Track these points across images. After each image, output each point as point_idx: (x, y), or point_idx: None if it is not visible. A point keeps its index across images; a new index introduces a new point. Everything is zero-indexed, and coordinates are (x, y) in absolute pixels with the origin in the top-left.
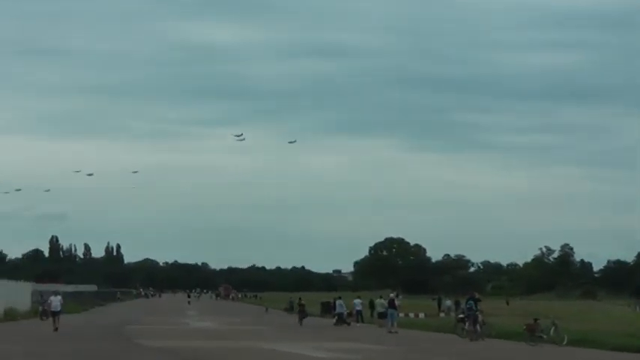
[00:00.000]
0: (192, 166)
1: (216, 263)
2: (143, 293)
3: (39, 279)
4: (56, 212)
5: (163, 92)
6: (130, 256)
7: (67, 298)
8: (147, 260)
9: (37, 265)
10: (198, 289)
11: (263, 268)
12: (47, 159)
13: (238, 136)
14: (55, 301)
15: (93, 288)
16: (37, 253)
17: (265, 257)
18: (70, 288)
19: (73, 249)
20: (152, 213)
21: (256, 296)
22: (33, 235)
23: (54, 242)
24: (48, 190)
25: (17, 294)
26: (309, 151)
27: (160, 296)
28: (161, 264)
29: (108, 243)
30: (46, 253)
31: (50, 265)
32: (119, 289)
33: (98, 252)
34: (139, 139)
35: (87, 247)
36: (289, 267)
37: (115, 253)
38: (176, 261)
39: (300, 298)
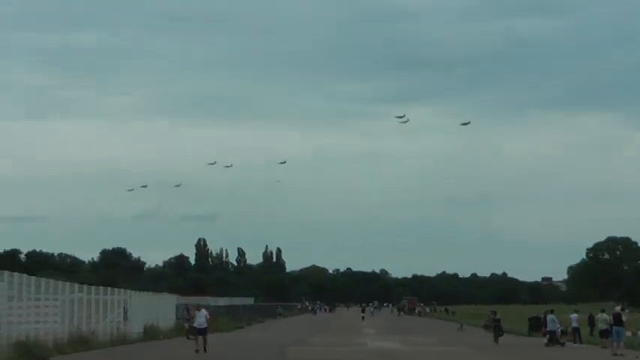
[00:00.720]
0: (357, 153)
1: (398, 271)
2: (310, 307)
3: (185, 290)
4: (200, 212)
5: (320, 67)
6: (292, 263)
7: (217, 314)
8: (313, 268)
9: (182, 274)
10: (375, 302)
11: (455, 275)
12: (176, 149)
13: (400, 117)
14: (200, 317)
15: (249, 301)
16: (181, 261)
17: (458, 263)
18: (221, 301)
19: (224, 255)
20: (316, 211)
21: (447, 310)
22: (174, 239)
23: (201, 247)
24: (178, 185)
25: (159, 309)
26: (498, 132)
27: (329, 311)
28: (330, 272)
29: (266, 247)
30: (193, 260)
31: (198, 274)
32: (280, 303)
33: (254, 258)
34: (289, 122)
35: (241, 253)
36: (487, 274)
37: (274, 260)
38: (349, 268)
39: (494, 312)
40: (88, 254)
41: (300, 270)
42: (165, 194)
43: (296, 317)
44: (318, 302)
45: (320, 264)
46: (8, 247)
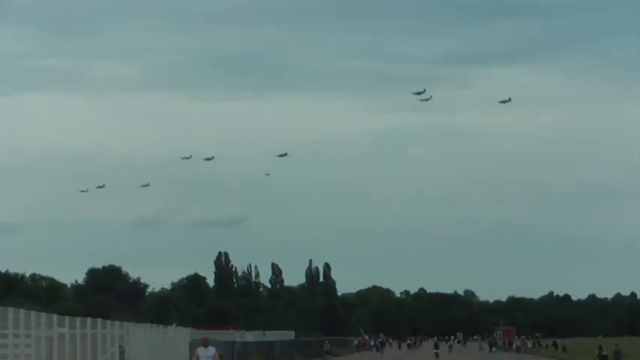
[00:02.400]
0: (425, 132)
1: (489, 292)
2: (372, 343)
3: (202, 321)
4: (220, 215)
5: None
6: (346, 284)
7: (245, 353)
8: (374, 290)
9: (198, 299)
10: (459, 335)
11: (566, 297)
12: (188, 130)
13: (419, 93)
14: (205, 358)
15: (288, 335)
16: (196, 282)
17: (569, 281)
18: (250, 336)
19: (253, 274)
20: (376, 214)
21: (556, 344)
22: (186, 254)
23: (223, 263)
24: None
25: (167, 346)
26: (614, 100)
27: (400, 347)
28: (398, 295)
29: (310, 263)
30: (211, 281)
31: (218, 300)
32: (329, 337)
33: (294, 277)
34: (333, 94)
35: (276, 271)
36: (610, 295)
37: (321, 279)
38: (422, 290)
39: (600, 347)
40: (71, 275)
41: (357, 293)
42: (172, 192)
43: (351, 356)
44: (382, 335)
45: (383, 284)
46: None
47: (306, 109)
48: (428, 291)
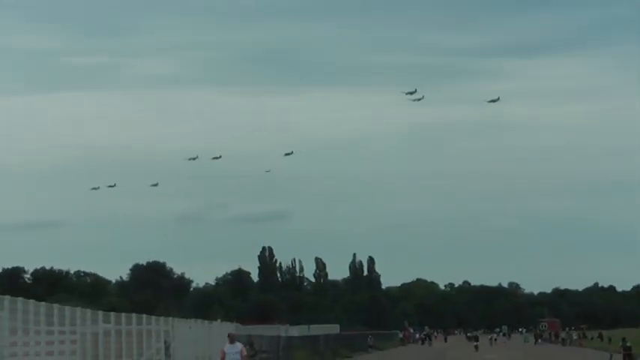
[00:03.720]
0: (469, 124)
1: (533, 284)
2: (418, 336)
3: (246, 316)
4: (263, 211)
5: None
6: (390, 277)
7: (291, 347)
8: (418, 283)
9: (242, 294)
10: (504, 327)
11: (611, 289)
12: (228, 125)
13: (411, 93)
14: (232, 354)
15: (333, 329)
16: (240, 277)
17: (615, 271)
18: (295, 330)
19: (297, 268)
20: (420, 207)
21: (602, 336)
22: (230, 249)
23: (267, 258)
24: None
25: (212, 342)
26: None
27: (446, 339)
28: (442, 288)
29: (354, 257)
30: (255, 276)
31: (262, 295)
32: (372, 331)
33: (338, 271)
34: (372, 87)
35: (320, 265)
36: None
37: (365, 273)
38: (466, 282)
39: (623, 339)
40: (115, 271)
41: (401, 286)
42: (215, 187)
43: (395, 350)
44: (427, 327)
45: (427, 277)
46: (8, 265)
47: (345, 103)
48: (472, 284)
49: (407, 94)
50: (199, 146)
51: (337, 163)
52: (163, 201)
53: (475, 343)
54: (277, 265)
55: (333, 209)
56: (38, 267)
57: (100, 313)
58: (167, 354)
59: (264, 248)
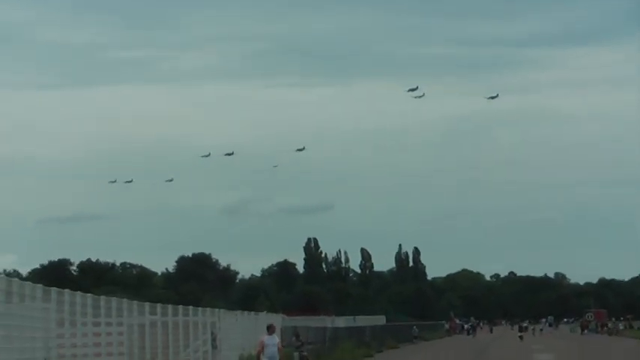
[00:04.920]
0: (514, 114)
1: (579, 274)
2: (465, 327)
3: (292, 307)
4: (309, 203)
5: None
6: (435, 268)
7: (337, 337)
8: (464, 273)
9: (288, 286)
10: (550, 318)
11: None
12: (271, 118)
13: (413, 90)
14: (271, 346)
15: (379, 320)
16: (285, 268)
17: None
18: (341, 321)
19: (343, 259)
20: (464, 197)
21: None
22: (276, 241)
23: (312, 250)
24: (275, 167)
25: (258, 333)
26: None
27: (491, 330)
28: (488, 278)
29: (399, 248)
30: (301, 268)
31: (308, 286)
32: (418, 322)
33: (384, 263)
34: (411, 77)
35: (365, 256)
36: None
37: (411, 264)
38: (512, 273)
39: None
40: (161, 263)
41: (446, 277)
42: (261, 180)
43: (440, 341)
44: (472, 318)
45: (473, 268)
46: (55, 257)
47: (386, 95)
48: (518, 274)
49: (409, 90)
50: (238, 139)
51: (382, 154)
52: (210, 193)
53: (520, 334)
54: (323, 256)
55: (378, 200)
56: (84, 259)
57: (147, 305)
58: (213, 345)
59: (309, 240)
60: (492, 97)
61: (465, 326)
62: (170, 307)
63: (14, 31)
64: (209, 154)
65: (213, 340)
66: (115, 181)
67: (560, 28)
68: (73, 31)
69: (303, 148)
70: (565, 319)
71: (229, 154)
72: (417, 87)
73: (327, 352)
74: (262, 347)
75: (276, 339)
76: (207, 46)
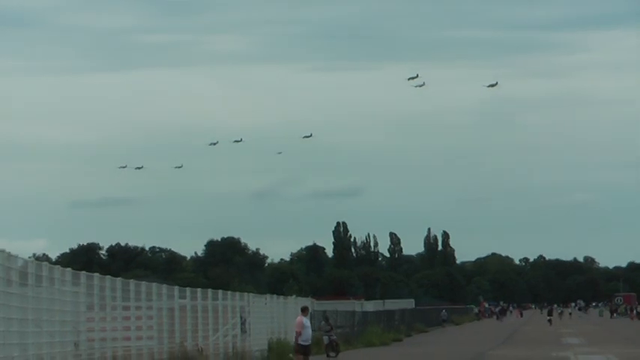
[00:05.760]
0: (544, 98)
1: (609, 258)
2: (495, 310)
3: (321, 292)
4: (337, 186)
5: None
6: (465, 252)
7: (366, 321)
8: (493, 257)
9: (317, 270)
10: (580, 302)
11: None
12: (301, 101)
13: (413, 78)
14: (308, 328)
15: (408, 304)
16: (315, 252)
17: None
18: (370, 305)
19: (372, 243)
20: (494, 181)
21: None
22: (305, 225)
23: (341, 234)
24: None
25: (288, 317)
26: None
27: (521, 314)
28: (517, 262)
29: (428, 231)
30: (330, 252)
31: (337, 270)
32: (447, 306)
33: (413, 246)
34: (445, 60)
35: (394, 240)
36: None
37: (440, 248)
38: (542, 257)
39: None
40: (190, 247)
41: (476, 261)
42: (290, 163)
43: (470, 325)
44: (501, 302)
45: (502, 252)
46: (84, 241)
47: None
48: (547, 258)
49: (409, 79)
50: (273, 122)
51: (411, 137)
52: (239, 177)
53: (549, 317)
54: (352, 240)
55: (407, 184)
56: (113, 243)
57: (176, 289)
58: (243, 329)
59: (338, 224)
60: (492, 85)
61: (495, 309)
62: (199, 290)
63: (47, 16)
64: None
65: (242, 324)
66: (141, 167)
67: (595, 11)
68: (104, 16)
69: (310, 135)
70: (594, 303)
71: (238, 141)
72: (417, 75)
73: (356, 336)
74: (302, 327)
75: (309, 321)
76: (240, 29)
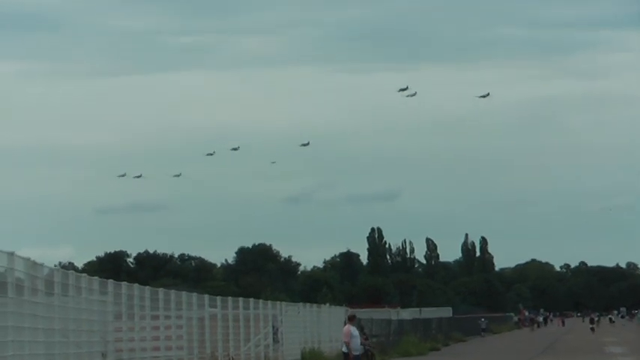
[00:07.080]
0: (580, 99)
1: None
2: (537, 319)
3: (355, 300)
4: (372, 191)
5: None
6: (504, 258)
7: (402, 330)
8: (533, 264)
9: (351, 277)
10: (622, 309)
11: None
12: (331, 103)
13: (404, 90)
14: (356, 337)
15: (446, 312)
16: (349, 259)
17: None
18: (406, 313)
19: (408, 250)
20: (534, 186)
21: None
22: (338, 231)
23: (376, 240)
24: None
25: (322, 326)
26: None
27: (563, 323)
28: (558, 269)
29: (466, 237)
30: (365, 259)
31: (372, 278)
32: (486, 315)
33: (450, 253)
34: (478, 62)
35: (431, 246)
36: None
37: (478, 254)
38: (583, 264)
39: None
40: (221, 255)
41: (515, 267)
42: (323, 167)
43: (509, 334)
44: (542, 310)
45: (542, 258)
46: (112, 249)
47: (454, 79)
48: (589, 264)
49: (400, 90)
50: (303, 125)
51: (447, 140)
52: (270, 183)
53: (591, 326)
54: (387, 246)
55: (443, 188)
56: (141, 251)
57: (206, 297)
58: (275, 339)
59: (373, 229)
60: (483, 97)
61: (537, 318)
62: (230, 299)
63: (76, 19)
64: (214, 153)
65: (275, 333)
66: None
67: (632, 10)
68: (133, 18)
69: (308, 143)
70: (637, 310)
71: (235, 149)
72: (407, 87)
73: (392, 345)
74: (350, 337)
75: (357, 331)
76: (269, 31)
